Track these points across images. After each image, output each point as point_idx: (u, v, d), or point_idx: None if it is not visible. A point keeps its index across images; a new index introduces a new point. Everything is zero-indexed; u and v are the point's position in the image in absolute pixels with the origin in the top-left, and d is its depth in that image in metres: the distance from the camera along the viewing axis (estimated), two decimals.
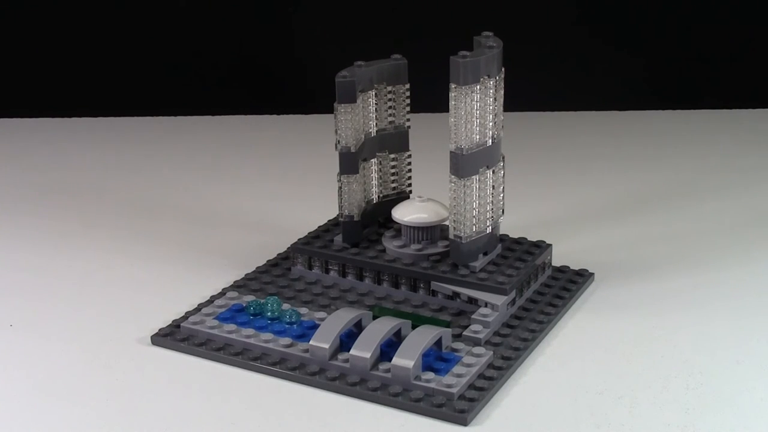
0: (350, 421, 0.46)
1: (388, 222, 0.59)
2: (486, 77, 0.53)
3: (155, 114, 0.94)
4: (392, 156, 0.59)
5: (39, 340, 0.55)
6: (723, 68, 0.95)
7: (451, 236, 0.55)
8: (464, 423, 0.46)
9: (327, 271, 0.58)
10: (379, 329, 0.49)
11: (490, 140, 0.54)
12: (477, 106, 0.53)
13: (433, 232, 0.57)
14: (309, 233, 0.60)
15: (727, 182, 0.76)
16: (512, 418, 0.47)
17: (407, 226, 0.56)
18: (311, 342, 0.50)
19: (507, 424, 0.47)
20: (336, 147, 0.56)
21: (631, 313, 0.56)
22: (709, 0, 0.94)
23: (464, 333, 0.52)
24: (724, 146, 0.85)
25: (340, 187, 0.57)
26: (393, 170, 0.60)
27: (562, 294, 0.57)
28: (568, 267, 0.60)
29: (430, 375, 0.48)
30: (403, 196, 0.60)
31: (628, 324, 0.55)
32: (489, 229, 0.56)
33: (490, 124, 0.54)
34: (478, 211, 0.55)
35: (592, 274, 0.60)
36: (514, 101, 0.97)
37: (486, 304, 0.53)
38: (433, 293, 0.56)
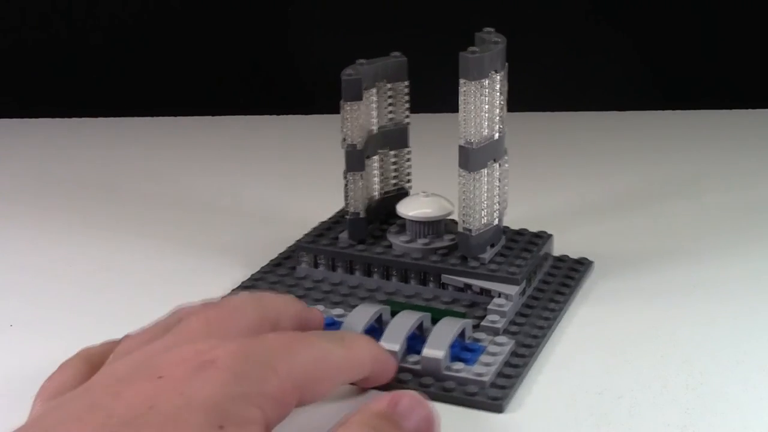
0: None
1: (389, 218, 0.62)
2: (493, 72, 0.56)
3: (155, 114, 0.94)
4: (393, 152, 0.62)
5: (39, 340, 0.55)
6: (723, 68, 0.95)
7: (460, 229, 0.58)
8: (500, 410, 0.48)
9: (334, 268, 0.60)
10: (404, 322, 0.51)
11: (497, 134, 0.57)
12: (486, 101, 0.55)
13: (438, 226, 0.59)
14: (311, 231, 0.62)
15: (727, 183, 0.77)
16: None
17: (413, 221, 0.59)
18: None
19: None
20: (342, 145, 0.58)
21: (631, 313, 0.57)
22: (710, 0, 0.94)
23: (482, 323, 0.54)
24: (724, 146, 0.85)
25: (347, 185, 0.58)
26: (393, 166, 0.63)
27: (567, 282, 0.60)
28: (568, 256, 0.63)
29: (460, 365, 0.50)
30: (402, 192, 0.63)
31: (628, 323, 0.56)
32: (496, 221, 0.59)
33: (497, 118, 0.57)
34: (487, 204, 0.57)
35: (592, 262, 0.63)
36: (515, 101, 0.97)
37: (499, 295, 0.56)
38: (443, 286, 0.58)
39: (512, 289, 0.56)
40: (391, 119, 0.61)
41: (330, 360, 0.43)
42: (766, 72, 0.97)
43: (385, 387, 0.49)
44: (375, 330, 0.52)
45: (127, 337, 0.45)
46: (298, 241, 0.61)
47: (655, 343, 0.54)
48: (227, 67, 0.97)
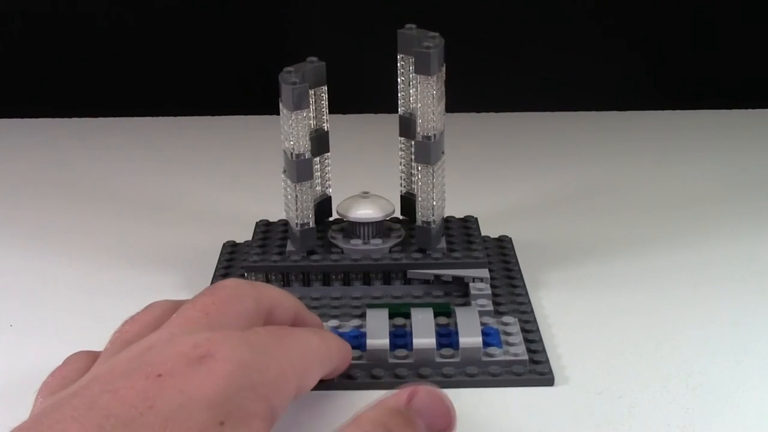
0: None
1: (318, 225, 0.61)
2: (441, 66, 0.57)
3: (156, 114, 0.94)
4: (317, 159, 0.61)
5: (39, 340, 0.55)
6: (723, 68, 0.95)
7: (418, 223, 0.59)
8: (551, 383, 0.50)
9: (288, 283, 0.59)
10: (425, 319, 0.52)
11: (443, 126, 0.58)
12: (440, 95, 0.57)
13: (382, 225, 0.60)
14: (251, 249, 0.60)
15: (727, 183, 0.77)
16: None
17: (360, 222, 0.59)
18: (368, 342, 0.51)
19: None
20: (289, 155, 0.58)
21: (631, 314, 0.56)
22: (710, 0, 0.94)
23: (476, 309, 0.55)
24: (724, 146, 0.85)
25: (296, 195, 0.58)
26: (317, 173, 0.61)
27: (508, 259, 0.63)
28: (489, 236, 0.66)
29: (494, 349, 0.51)
30: (325, 197, 0.62)
31: (628, 323, 0.55)
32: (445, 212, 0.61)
33: (443, 110, 0.58)
34: (441, 195, 0.59)
35: (510, 238, 0.66)
36: (516, 101, 0.97)
37: (473, 279, 0.57)
38: (408, 282, 0.58)
39: (484, 272, 0.57)
40: (314, 125, 0.60)
41: (312, 348, 0.44)
42: (766, 72, 0.97)
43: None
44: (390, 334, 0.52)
45: (125, 323, 0.44)
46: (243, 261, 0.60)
47: (655, 343, 0.54)
48: (226, 67, 0.97)
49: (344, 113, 0.92)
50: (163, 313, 0.44)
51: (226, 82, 0.98)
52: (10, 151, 0.89)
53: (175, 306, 0.44)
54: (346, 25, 0.96)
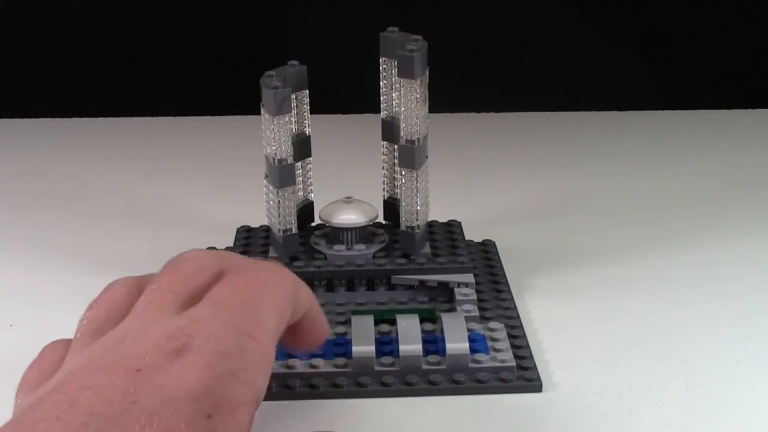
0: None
1: (301, 231, 0.61)
2: (425, 70, 0.56)
3: (155, 114, 0.94)
4: (298, 164, 0.60)
5: (39, 340, 0.54)
6: (723, 68, 0.95)
7: (402, 228, 0.58)
8: (539, 390, 0.50)
9: None
10: (411, 325, 0.52)
11: (426, 130, 0.58)
12: (425, 99, 0.56)
13: (366, 230, 0.59)
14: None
15: (726, 182, 0.77)
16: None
17: (343, 228, 0.58)
18: (354, 350, 0.50)
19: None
20: (272, 161, 0.57)
21: (631, 315, 0.57)
22: (710, 0, 0.94)
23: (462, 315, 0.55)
24: (724, 146, 0.85)
25: (279, 201, 0.58)
26: (299, 178, 0.61)
27: (492, 264, 0.62)
28: (473, 240, 0.65)
29: (481, 355, 0.51)
30: (307, 203, 0.62)
31: (629, 323, 0.56)
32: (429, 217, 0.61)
33: (427, 114, 0.58)
34: (425, 200, 0.59)
35: (494, 242, 0.65)
36: (518, 101, 0.97)
37: (458, 285, 0.56)
38: (392, 288, 0.58)
39: (469, 278, 0.57)
40: (295, 129, 0.60)
41: (284, 287, 0.42)
42: (766, 72, 0.97)
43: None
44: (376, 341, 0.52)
45: (90, 309, 0.43)
46: None
47: (655, 343, 0.54)
48: (227, 67, 0.97)
49: (343, 113, 0.92)
50: (128, 293, 0.43)
51: (226, 82, 0.98)
52: (10, 151, 0.89)
53: (138, 283, 0.43)
54: (347, 26, 0.96)
